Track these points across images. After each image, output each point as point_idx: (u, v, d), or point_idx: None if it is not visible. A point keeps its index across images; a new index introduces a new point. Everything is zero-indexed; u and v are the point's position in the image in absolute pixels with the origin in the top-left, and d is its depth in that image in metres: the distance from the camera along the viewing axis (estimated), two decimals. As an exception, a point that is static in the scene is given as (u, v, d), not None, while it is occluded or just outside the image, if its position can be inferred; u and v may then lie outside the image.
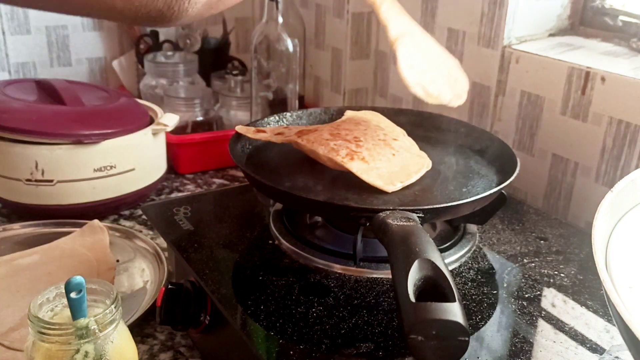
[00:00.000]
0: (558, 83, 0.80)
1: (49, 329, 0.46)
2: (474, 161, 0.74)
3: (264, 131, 0.74)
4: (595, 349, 0.54)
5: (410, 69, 0.56)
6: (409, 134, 0.76)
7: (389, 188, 0.63)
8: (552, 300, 0.61)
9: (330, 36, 1.18)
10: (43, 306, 0.48)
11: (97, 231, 0.84)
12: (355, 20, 1.11)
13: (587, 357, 0.53)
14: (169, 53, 1.24)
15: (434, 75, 0.60)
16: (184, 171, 1.10)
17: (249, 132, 0.73)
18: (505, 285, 0.62)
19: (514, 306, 0.59)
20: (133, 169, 0.93)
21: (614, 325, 0.55)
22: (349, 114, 0.80)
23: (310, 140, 0.67)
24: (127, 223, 0.93)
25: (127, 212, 0.96)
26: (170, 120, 0.98)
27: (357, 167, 0.64)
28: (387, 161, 0.66)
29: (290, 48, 1.07)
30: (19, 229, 0.88)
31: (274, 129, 0.74)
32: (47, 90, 0.95)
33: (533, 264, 0.66)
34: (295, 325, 0.55)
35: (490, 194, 0.62)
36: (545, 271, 0.65)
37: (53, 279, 0.74)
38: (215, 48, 1.30)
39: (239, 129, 0.73)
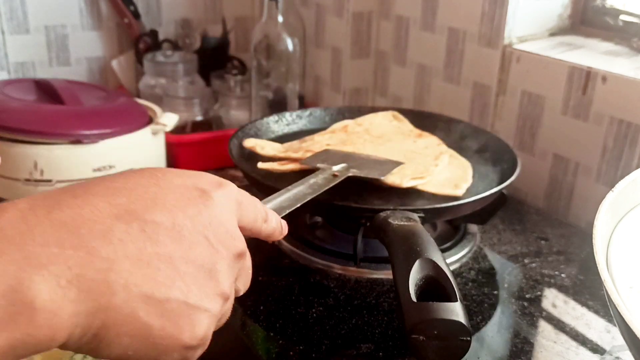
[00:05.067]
0: (559, 82, 0.80)
1: (48, 329, 0.45)
2: (474, 161, 0.73)
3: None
4: (596, 349, 0.54)
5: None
6: (409, 134, 0.76)
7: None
8: (553, 300, 0.61)
9: (330, 36, 1.18)
10: (42, 306, 0.48)
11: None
12: (355, 19, 1.10)
13: (588, 357, 0.53)
14: (169, 52, 1.23)
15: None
16: (184, 171, 1.09)
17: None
18: (505, 285, 0.62)
19: (514, 306, 0.59)
20: (132, 169, 0.92)
21: (615, 325, 0.55)
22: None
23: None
24: (127, 223, 0.92)
25: (126, 212, 0.95)
26: (169, 120, 0.97)
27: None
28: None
29: (290, 47, 1.07)
30: (18, 229, 0.87)
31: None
32: (46, 90, 0.95)
33: (534, 264, 0.66)
34: (295, 325, 0.54)
35: (491, 194, 0.62)
36: (546, 271, 0.65)
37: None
38: (215, 47, 1.29)
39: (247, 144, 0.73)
